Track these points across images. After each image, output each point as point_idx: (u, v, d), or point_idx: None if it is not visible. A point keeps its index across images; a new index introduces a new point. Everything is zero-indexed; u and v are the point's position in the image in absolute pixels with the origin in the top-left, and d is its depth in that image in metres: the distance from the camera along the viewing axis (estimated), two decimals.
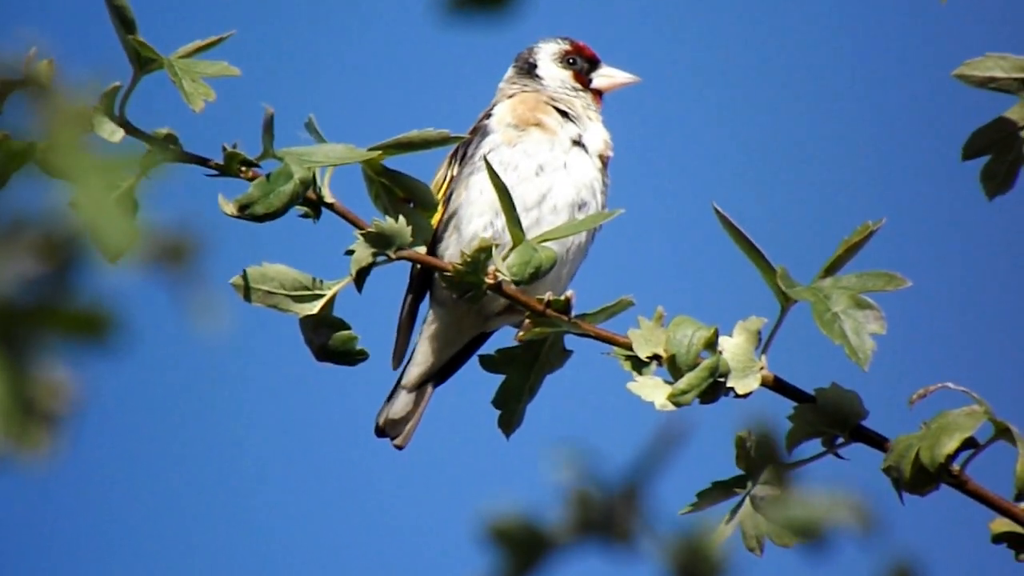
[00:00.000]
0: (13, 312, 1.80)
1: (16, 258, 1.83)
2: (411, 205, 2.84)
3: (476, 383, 2.95)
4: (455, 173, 3.39)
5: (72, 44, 2.14)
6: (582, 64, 3.57)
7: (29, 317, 1.80)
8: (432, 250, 3.33)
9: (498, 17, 2.12)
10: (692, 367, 2.68)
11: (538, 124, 3.39)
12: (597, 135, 3.46)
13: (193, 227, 2.01)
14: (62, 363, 1.83)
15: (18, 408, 1.80)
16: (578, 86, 3.54)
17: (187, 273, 1.98)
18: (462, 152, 3.40)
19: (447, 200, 3.37)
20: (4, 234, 1.83)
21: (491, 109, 3.48)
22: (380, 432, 3.43)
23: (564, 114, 3.46)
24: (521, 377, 2.87)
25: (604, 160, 3.44)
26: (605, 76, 3.55)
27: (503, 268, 2.75)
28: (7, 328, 1.80)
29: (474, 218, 3.33)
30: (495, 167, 2.99)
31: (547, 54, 3.58)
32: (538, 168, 3.35)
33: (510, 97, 3.51)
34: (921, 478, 2.61)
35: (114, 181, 2.40)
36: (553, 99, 3.48)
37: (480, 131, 3.42)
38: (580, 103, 3.51)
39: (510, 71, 3.59)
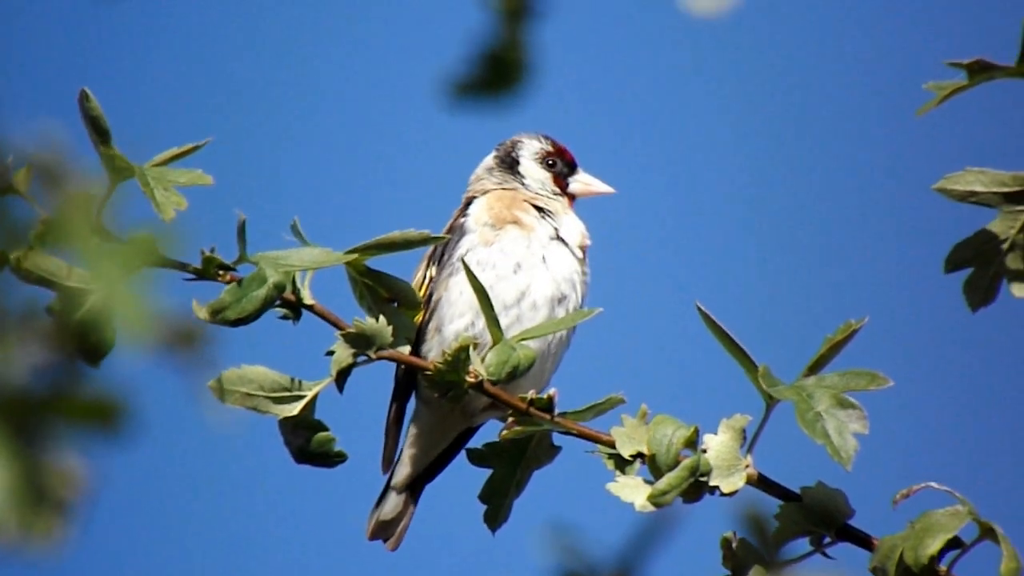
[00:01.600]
0: (24, 400, 1.80)
1: (27, 347, 1.84)
2: (395, 304, 2.84)
3: (464, 475, 2.94)
4: (433, 274, 3.40)
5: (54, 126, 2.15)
6: (561, 167, 3.58)
7: (40, 405, 1.81)
8: (416, 351, 3.33)
9: (502, 101, 2.14)
10: (672, 467, 2.67)
11: (515, 221, 3.40)
12: (574, 227, 3.47)
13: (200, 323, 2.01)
14: (73, 451, 1.83)
15: (29, 496, 1.79)
16: (557, 189, 3.56)
17: (198, 359, 1.98)
18: (440, 252, 3.41)
19: (427, 301, 3.38)
20: (16, 323, 1.84)
21: (466, 207, 3.49)
22: (372, 536, 3.41)
23: (540, 210, 3.47)
24: (508, 472, 2.86)
25: (584, 250, 3.45)
26: (582, 183, 3.57)
27: (481, 368, 2.75)
28: (18, 416, 1.80)
29: (455, 318, 3.33)
30: (473, 267, 2.99)
31: (529, 152, 3.59)
32: (516, 266, 3.36)
33: (484, 193, 3.52)
34: None
35: (124, 269, 2.40)
36: (529, 198, 3.49)
37: (457, 230, 3.43)
38: (557, 203, 3.53)
39: (490, 160, 3.60)
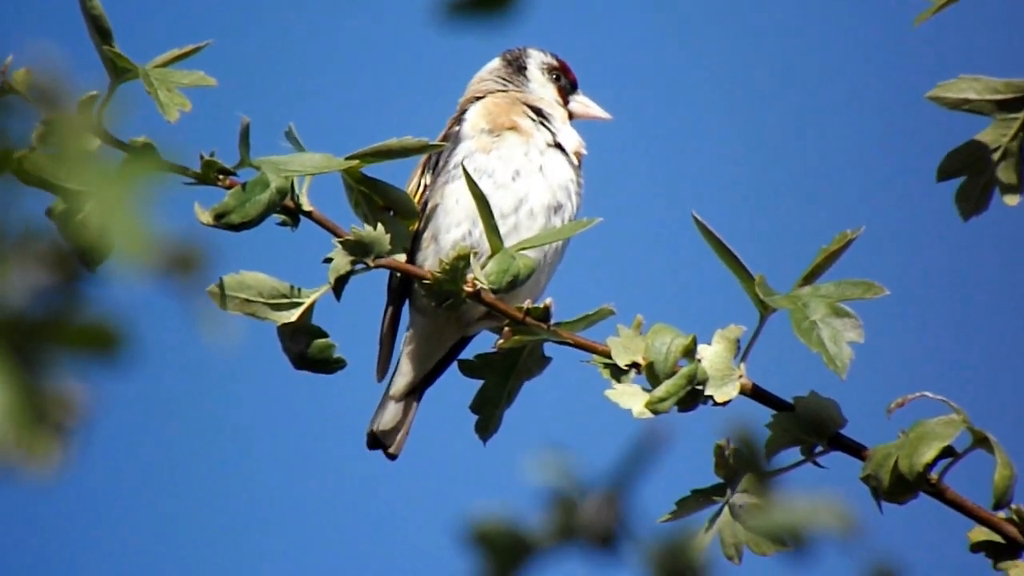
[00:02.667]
0: (22, 325, 1.80)
1: (25, 269, 1.83)
2: (391, 213, 2.83)
3: (459, 386, 2.95)
4: (428, 182, 3.38)
5: (51, 43, 2.13)
6: (564, 83, 3.57)
7: (39, 329, 1.81)
8: (411, 259, 3.32)
9: (496, 19, 2.12)
10: (670, 375, 2.69)
11: (513, 127, 3.39)
12: (571, 135, 3.46)
13: (200, 239, 2.01)
14: (71, 375, 1.83)
15: (28, 418, 1.80)
16: (560, 101, 3.55)
17: (197, 284, 1.98)
18: (435, 160, 3.39)
19: (423, 209, 3.36)
20: (12, 246, 1.84)
21: (463, 113, 3.46)
22: (372, 444, 3.42)
23: (539, 113, 3.45)
24: (499, 383, 2.87)
25: (579, 159, 3.44)
26: (581, 103, 3.56)
27: (481, 277, 2.75)
28: (17, 340, 1.80)
29: (452, 227, 3.32)
30: (470, 174, 2.98)
31: (536, 62, 3.58)
32: (514, 173, 3.35)
33: (480, 98, 3.50)
34: (900, 487, 2.61)
35: (122, 187, 2.39)
36: (527, 101, 3.47)
37: (453, 137, 3.41)
38: (558, 110, 3.51)
39: (496, 63, 3.58)
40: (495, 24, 2.13)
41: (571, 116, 3.55)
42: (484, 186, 3.26)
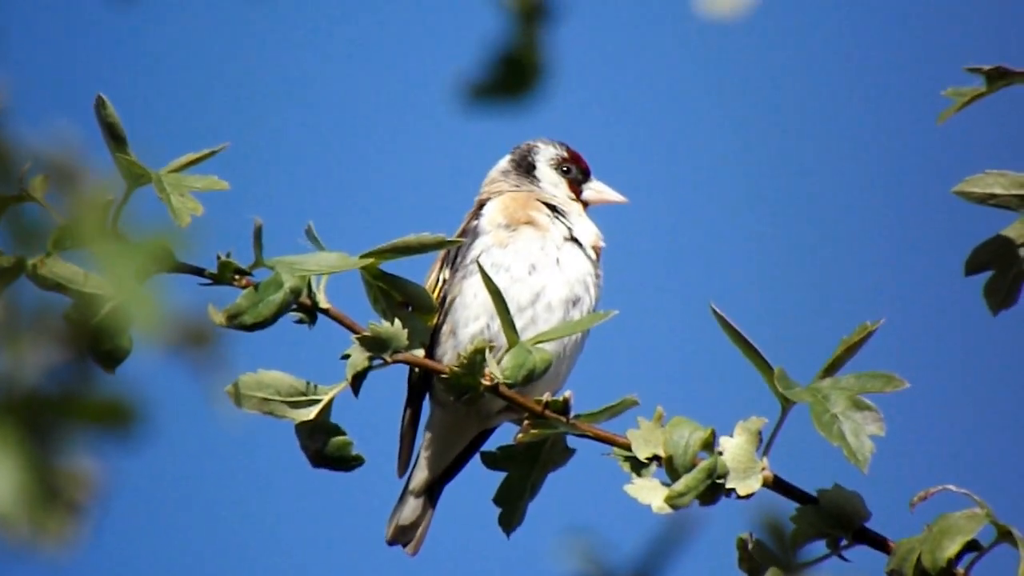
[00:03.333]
0: (37, 401, 1.81)
1: (39, 348, 1.84)
2: (409, 308, 2.84)
3: (479, 478, 2.94)
4: (447, 276, 3.40)
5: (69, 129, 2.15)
6: (576, 174, 3.59)
7: (53, 406, 1.81)
8: (430, 353, 3.33)
9: (518, 104, 2.13)
10: (689, 469, 2.67)
11: (529, 222, 3.40)
12: (588, 228, 3.47)
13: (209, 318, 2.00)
14: (85, 452, 1.84)
15: (41, 496, 1.80)
16: (572, 196, 3.56)
17: (210, 359, 1.98)
18: (453, 255, 3.40)
19: (441, 304, 3.37)
20: (28, 324, 1.85)
21: (479, 209, 3.48)
22: (392, 541, 3.40)
23: (554, 209, 3.47)
24: (523, 475, 2.86)
25: (597, 252, 3.45)
26: (595, 190, 3.57)
27: (497, 371, 2.75)
28: (31, 417, 1.80)
29: (470, 321, 3.33)
30: (487, 269, 2.99)
31: (545, 157, 3.59)
32: (531, 267, 3.35)
33: (498, 194, 3.52)
34: None
35: (136, 267, 2.40)
36: (541, 198, 3.49)
37: (470, 232, 3.42)
38: (572, 205, 3.52)
39: (505, 163, 3.60)
40: (516, 108, 2.14)
41: (586, 205, 3.56)
42: (501, 280, 3.26)
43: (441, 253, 3.42)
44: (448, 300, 3.37)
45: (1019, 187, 2.67)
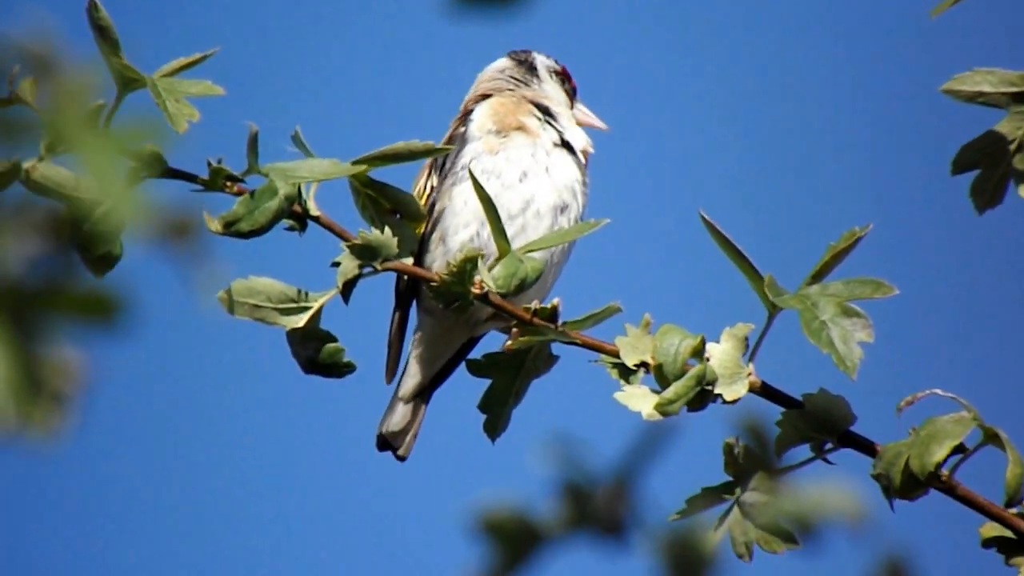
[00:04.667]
0: (21, 293, 1.80)
1: (24, 240, 1.83)
2: (397, 216, 2.83)
3: (467, 386, 2.96)
4: (435, 184, 3.39)
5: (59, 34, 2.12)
6: (569, 88, 3.58)
7: (37, 298, 1.81)
8: (418, 261, 3.33)
9: (504, 11, 2.11)
10: (679, 376, 2.68)
11: (520, 127, 3.39)
12: (579, 134, 3.46)
13: (196, 206, 2.00)
14: (71, 343, 1.83)
15: (27, 387, 1.80)
16: (568, 103, 3.55)
17: (192, 248, 1.98)
18: (441, 161, 3.39)
19: (430, 211, 3.36)
20: (12, 216, 1.83)
21: (468, 114, 3.46)
22: (382, 445, 3.42)
23: (546, 112, 3.46)
24: (507, 382, 2.87)
25: (586, 157, 3.45)
26: (581, 111, 3.57)
27: (489, 280, 2.75)
28: (15, 309, 1.80)
29: (460, 229, 3.32)
30: (478, 176, 2.98)
31: (543, 65, 3.58)
32: (521, 174, 3.35)
33: (485, 97, 3.50)
34: (911, 485, 2.61)
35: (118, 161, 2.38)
36: (535, 99, 3.47)
37: (459, 138, 3.41)
38: (564, 109, 3.51)
39: (505, 62, 3.59)
40: (503, 15, 2.12)
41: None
42: (491, 187, 3.26)
43: (428, 160, 3.40)
44: (437, 207, 3.36)
45: (1008, 85, 2.66)
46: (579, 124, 3.56)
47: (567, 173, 3.39)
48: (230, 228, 2.48)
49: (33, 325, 1.81)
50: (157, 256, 2.00)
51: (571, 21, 4.61)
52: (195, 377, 4.62)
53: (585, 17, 4.81)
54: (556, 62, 3.59)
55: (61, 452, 1.88)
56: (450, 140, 3.42)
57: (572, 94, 3.58)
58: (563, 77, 3.58)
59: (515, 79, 3.54)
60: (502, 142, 3.37)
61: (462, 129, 3.42)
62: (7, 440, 1.83)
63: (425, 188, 3.41)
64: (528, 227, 3.32)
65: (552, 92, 3.53)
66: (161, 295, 2.16)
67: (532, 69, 3.54)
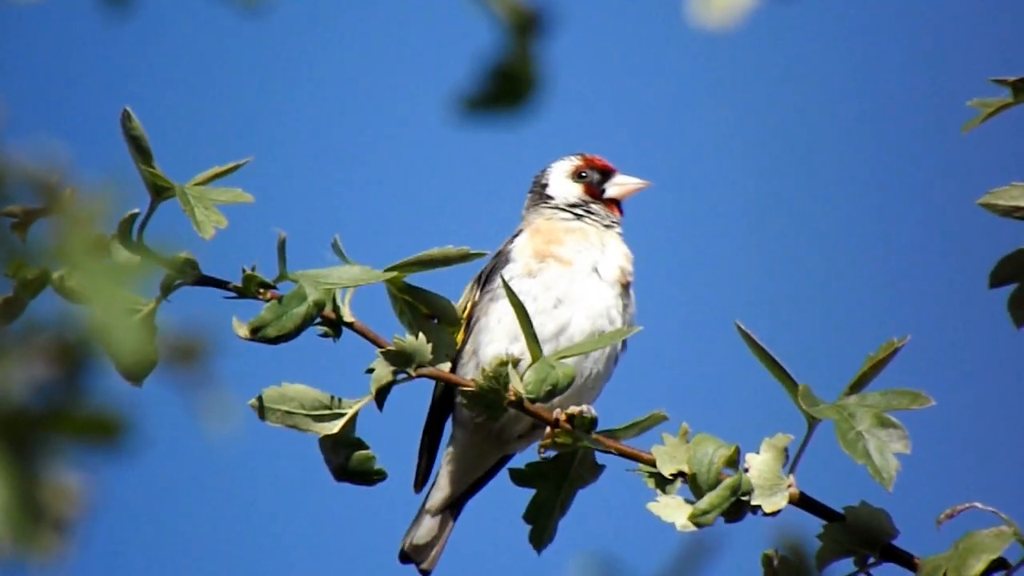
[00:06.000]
0: (23, 416, 1.81)
1: (27, 363, 1.85)
2: (435, 321, 2.84)
3: (505, 495, 2.93)
4: (476, 298, 3.40)
5: (84, 146, 2.17)
6: (593, 176, 3.58)
7: (39, 421, 1.81)
8: (454, 373, 3.34)
9: (514, 116, 2.13)
10: (714, 486, 2.66)
11: (555, 257, 3.40)
12: (613, 261, 3.44)
13: (202, 329, 2.02)
14: (72, 467, 1.84)
15: (28, 512, 1.80)
16: (587, 198, 3.56)
17: (198, 374, 1.98)
18: (485, 277, 3.41)
19: (468, 324, 3.37)
20: (16, 340, 1.85)
21: (514, 238, 3.49)
22: (405, 558, 3.39)
23: (583, 216, 3.47)
24: (552, 491, 2.85)
25: (624, 284, 3.42)
26: (618, 184, 3.56)
27: (520, 386, 2.75)
28: (17, 432, 1.81)
29: (491, 344, 3.32)
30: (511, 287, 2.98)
31: (559, 172, 3.60)
32: (556, 301, 3.35)
33: (529, 227, 3.52)
34: None
35: (134, 306, 2.43)
36: (568, 229, 3.48)
37: (503, 255, 3.43)
38: (594, 229, 3.50)
39: (527, 197, 3.63)
40: (511, 120, 2.14)
41: (616, 203, 3.55)
42: (527, 308, 3.28)
43: (475, 274, 3.43)
44: (474, 320, 3.37)
45: None
46: (621, 197, 3.56)
47: (602, 300, 3.38)
48: (257, 334, 2.50)
49: (35, 448, 1.81)
50: (163, 380, 2.00)
51: (582, 118, 4.64)
52: (200, 500, 4.61)
53: (593, 114, 4.84)
54: (578, 156, 3.60)
55: None
56: (497, 255, 3.45)
57: (605, 176, 3.57)
58: (587, 168, 3.58)
59: (535, 211, 3.56)
60: (540, 267, 3.38)
61: (508, 248, 3.45)
62: (7, 566, 1.83)
63: (467, 301, 3.42)
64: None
65: (570, 197, 3.54)
66: (165, 418, 2.17)
67: (543, 191, 3.57)
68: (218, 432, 2.03)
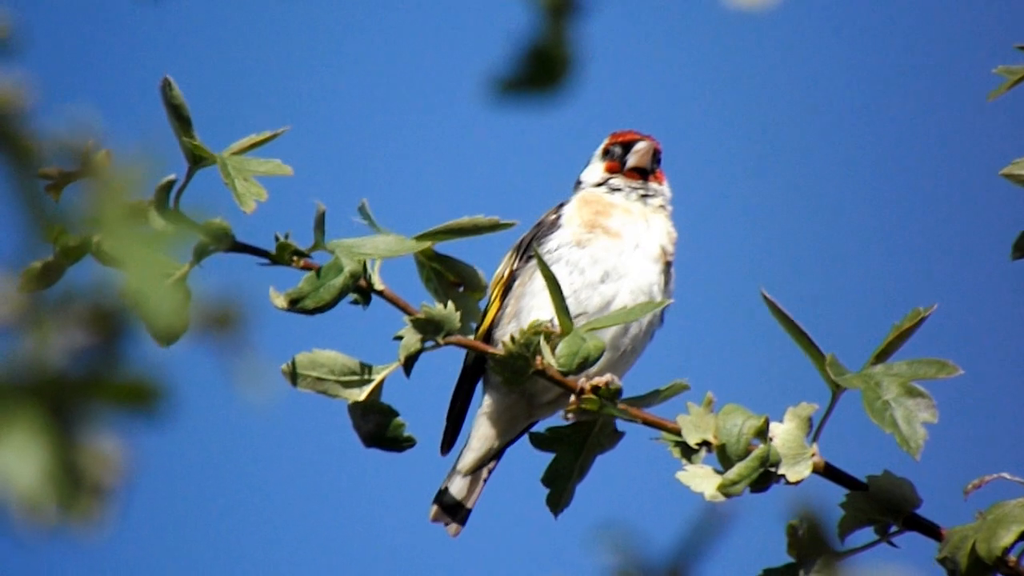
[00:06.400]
0: (63, 383, 1.82)
1: (67, 330, 1.85)
2: (461, 288, 2.85)
3: (527, 460, 2.95)
4: (515, 267, 3.40)
5: (125, 116, 2.17)
6: (616, 151, 3.57)
7: (79, 388, 1.82)
8: (490, 335, 3.34)
9: (548, 97, 2.13)
10: (742, 457, 2.67)
11: (604, 229, 3.39)
12: (655, 238, 3.43)
13: (238, 296, 2.02)
14: (111, 433, 1.85)
15: (68, 478, 1.81)
16: (607, 175, 3.55)
17: (234, 341, 1.99)
18: (527, 245, 3.40)
19: (507, 291, 3.37)
20: (55, 307, 1.85)
21: (561, 207, 3.48)
22: (435, 518, 3.41)
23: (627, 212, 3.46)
24: (571, 456, 2.86)
25: (666, 261, 3.42)
26: (635, 152, 3.55)
27: (551, 359, 2.75)
28: (57, 399, 1.81)
29: (535, 310, 3.32)
30: (561, 264, 2.99)
31: (594, 157, 3.61)
32: (603, 275, 3.35)
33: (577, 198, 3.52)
34: (977, 569, 2.57)
35: (168, 270, 2.43)
36: (613, 203, 3.47)
37: (547, 224, 3.42)
38: (638, 206, 3.49)
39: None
40: (547, 100, 2.14)
41: (642, 172, 3.53)
42: (574, 281, 3.28)
43: (515, 242, 3.42)
44: (516, 287, 3.36)
45: None
46: (640, 164, 3.54)
47: (645, 276, 3.38)
48: (295, 305, 2.50)
49: (73, 415, 1.82)
50: (199, 347, 2.01)
51: (616, 100, 4.63)
52: (236, 466, 4.63)
53: (627, 96, 4.84)
54: (609, 136, 3.60)
55: (101, 542, 1.89)
56: (538, 225, 3.44)
57: (626, 148, 3.56)
58: (613, 145, 3.58)
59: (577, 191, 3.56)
60: (589, 238, 3.38)
61: (552, 217, 3.44)
62: (48, 531, 1.84)
63: (506, 270, 3.42)
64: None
65: (595, 180, 3.53)
66: (202, 385, 2.18)
67: (578, 184, 3.58)
68: (253, 399, 2.04)
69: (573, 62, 2.16)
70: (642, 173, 3.53)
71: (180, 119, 2.43)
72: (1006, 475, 2.60)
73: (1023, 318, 4.20)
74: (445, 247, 2.84)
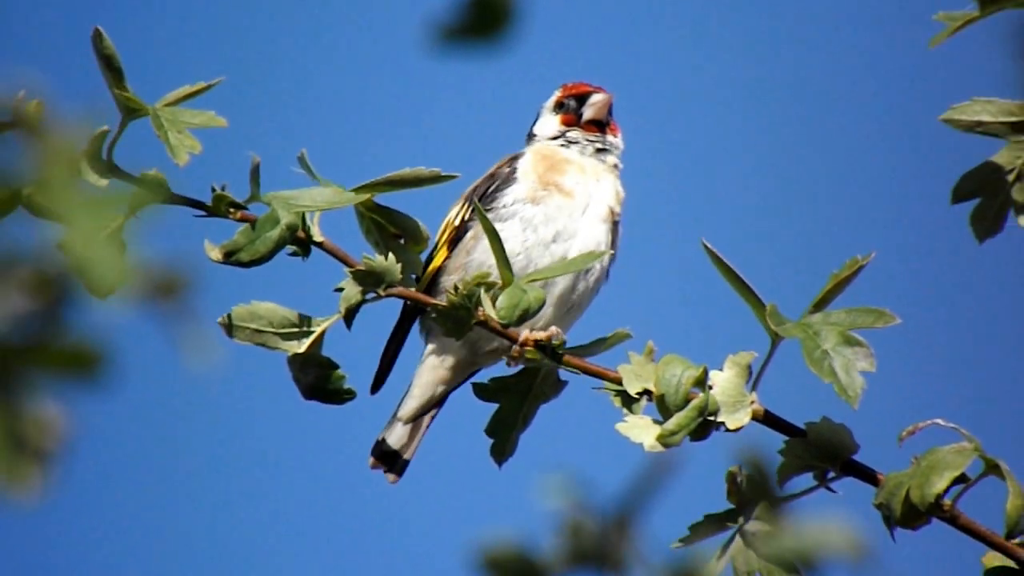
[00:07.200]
0: (3, 349, 1.80)
1: (6, 296, 1.83)
2: (401, 240, 2.84)
3: (470, 410, 2.95)
4: (468, 217, 3.37)
5: (60, 75, 2.14)
6: (570, 104, 3.55)
7: (19, 354, 1.81)
8: (434, 284, 3.32)
9: (490, 46, 2.12)
10: (681, 407, 2.68)
11: (557, 187, 3.38)
12: (604, 199, 3.43)
13: (183, 263, 2.01)
14: (52, 399, 1.83)
15: (8, 445, 1.80)
16: (563, 128, 3.53)
17: (178, 308, 1.98)
18: (479, 196, 3.37)
19: (456, 240, 3.34)
20: None
21: (515, 159, 3.45)
22: (375, 466, 3.40)
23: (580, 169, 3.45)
24: (514, 406, 2.88)
25: (613, 220, 3.42)
26: (591, 105, 3.53)
27: (492, 311, 2.75)
28: None
29: (484, 265, 3.30)
30: (515, 220, 2.97)
31: (545, 109, 3.58)
32: (555, 234, 3.34)
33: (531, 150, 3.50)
34: (912, 515, 2.61)
35: (103, 221, 2.40)
36: (568, 159, 3.46)
37: (500, 177, 3.40)
38: (591, 162, 3.48)
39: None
40: (489, 50, 2.13)
41: (599, 124, 3.53)
42: (527, 238, 3.27)
43: (465, 192, 3.40)
44: (468, 237, 3.34)
45: (1007, 114, 2.66)
46: (596, 116, 3.53)
47: (593, 236, 3.37)
48: (230, 257, 2.49)
49: (14, 381, 1.81)
50: (142, 313, 2.00)
51: (559, 48, 4.61)
52: (178, 432, 4.61)
53: (570, 44, 4.82)
54: (560, 88, 3.58)
55: (42, 508, 1.88)
56: (491, 177, 3.42)
57: (582, 101, 3.55)
58: (566, 97, 3.56)
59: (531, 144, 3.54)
60: (544, 196, 3.37)
61: (507, 170, 3.41)
62: None
63: (456, 216, 3.39)
64: (554, 283, 3.31)
65: (550, 133, 3.52)
66: (145, 351, 2.16)
67: (531, 136, 3.56)
68: (199, 367, 2.03)
69: (516, 10, 2.15)
70: (599, 126, 3.52)
71: (112, 70, 2.40)
72: (940, 421, 2.63)
73: (962, 265, 4.24)
74: (387, 199, 2.82)
